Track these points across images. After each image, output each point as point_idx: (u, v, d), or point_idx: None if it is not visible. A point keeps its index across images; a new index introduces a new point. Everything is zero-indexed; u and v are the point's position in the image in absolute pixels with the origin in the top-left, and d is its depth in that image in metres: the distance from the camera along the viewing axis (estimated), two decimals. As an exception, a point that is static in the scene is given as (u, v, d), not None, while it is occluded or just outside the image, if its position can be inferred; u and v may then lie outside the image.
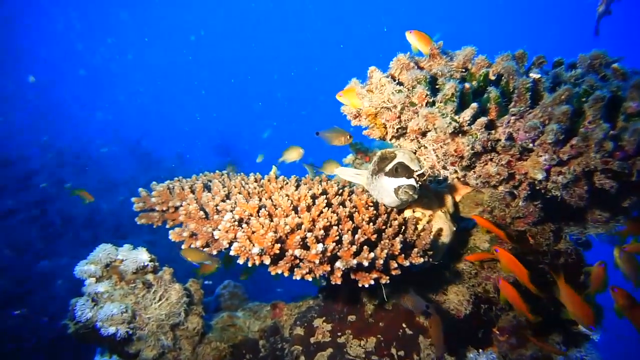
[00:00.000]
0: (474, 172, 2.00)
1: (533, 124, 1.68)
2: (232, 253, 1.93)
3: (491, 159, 1.92)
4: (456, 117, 1.82)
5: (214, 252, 2.28)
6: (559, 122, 1.64)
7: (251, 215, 2.18)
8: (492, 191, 2.22)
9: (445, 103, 1.83)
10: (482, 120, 1.78)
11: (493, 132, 1.84)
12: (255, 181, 2.74)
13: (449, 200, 2.53)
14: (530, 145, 1.78)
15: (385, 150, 2.28)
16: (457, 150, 1.86)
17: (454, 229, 2.44)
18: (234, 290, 3.82)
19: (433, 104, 1.89)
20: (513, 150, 1.81)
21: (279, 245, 1.92)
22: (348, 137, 3.22)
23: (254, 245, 1.93)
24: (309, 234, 1.91)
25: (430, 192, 2.53)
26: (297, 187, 2.66)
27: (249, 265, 1.94)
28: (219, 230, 2.05)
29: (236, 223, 2.07)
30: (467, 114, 1.79)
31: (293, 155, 3.12)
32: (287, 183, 2.68)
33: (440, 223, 2.39)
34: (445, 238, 2.38)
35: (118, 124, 18.61)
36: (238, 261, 1.94)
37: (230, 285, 3.82)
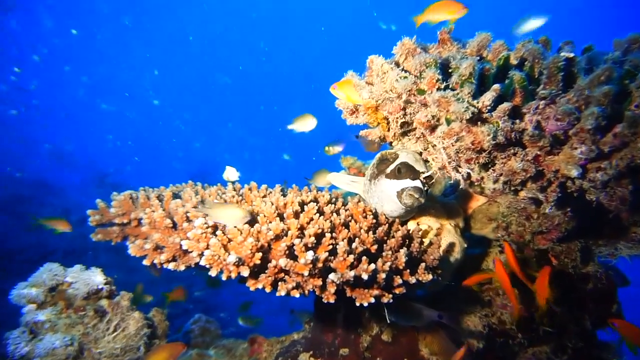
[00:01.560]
0: (493, 170, 1.81)
1: (567, 109, 1.51)
2: (202, 263, 1.66)
3: (515, 154, 1.73)
4: (474, 102, 1.64)
5: (182, 268, 2.00)
6: (600, 104, 1.46)
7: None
8: (511, 199, 2.02)
9: (462, 85, 1.65)
10: (506, 105, 1.60)
11: (517, 121, 1.67)
12: (234, 190, 2.49)
13: (458, 213, 2.33)
14: (562, 137, 1.59)
15: (385, 151, 2.10)
16: (475, 143, 1.67)
17: (465, 245, 2.22)
18: (206, 326, 3.46)
19: (445, 89, 1.70)
20: (542, 142, 1.63)
21: (260, 254, 1.68)
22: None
23: (229, 253, 1.67)
24: (296, 241, 1.68)
25: (437, 203, 2.32)
26: (284, 196, 2.43)
27: (224, 278, 1.68)
28: (189, 239, 1.80)
29: (209, 230, 1.81)
30: (487, 98, 1.61)
31: (305, 125, 2.84)
32: (270, 192, 2.44)
33: (449, 238, 2.17)
34: (456, 254, 2.16)
35: (87, 155, 18.24)
36: (210, 273, 1.68)
37: (201, 320, 3.47)
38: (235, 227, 1.79)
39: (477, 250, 2.57)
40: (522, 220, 2.13)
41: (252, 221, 1.93)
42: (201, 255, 1.72)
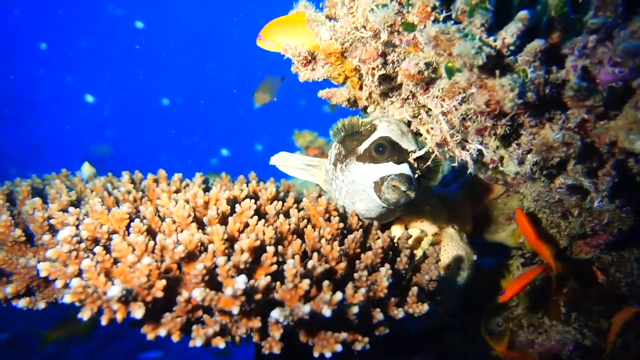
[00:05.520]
0: (517, 145, 1.70)
1: (630, 46, 1.40)
2: (67, 299, 1.45)
3: (551, 119, 1.61)
4: (490, 40, 1.51)
5: (42, 306, 1.79)
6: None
7: (115, 232, 1.78)
8: (541, 189, 1.94)
9: (472, 13, 1.53)
10: (537, 45, 1.48)
11: (554, 69, 1.55)
12: (132, 182, 2.26)
13: (464, 210, 2.26)
14: (622, 92, 1.50)
15: (355, 119, 1.94)
16: (491, 103, 1.54)
17: (475, 257, 2.15)
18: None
19: (446, 22, 1.60)
20: (592, 100, 1.52)
21: (163, 282, 1.50)
22: None
23: (112, 282, 1.49)
24: (221, 261, 1.51)
25: (434, 197, 2.22)
26: (207, 190, 2.24)
27: (104, 322, 1.50)
28: (49, 260, 1.61)
29: (83, 245, 1.62)
30: (510, 33, 1.49)
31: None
32: (186, 186, 2.25)
33: (452, 247, 2.10)
34: (462, 271, 2.09)
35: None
36: (80, 315, 1.50)
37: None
38: (125, 240, 1.58)
39: (491, 261, 2.48)
40: (557, 219, 2.07)
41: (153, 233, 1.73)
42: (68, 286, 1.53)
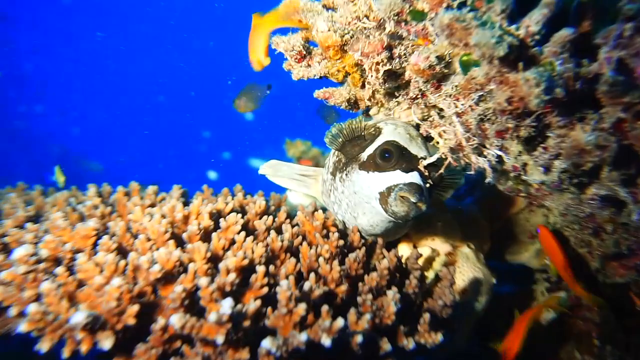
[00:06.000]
0: (543, 149, 1.69)
1: None
2: (23, 328, 1.46)
3: (582, 119, 1.61)
4: (511, 29, 1.51)
5: None
6: None
7: (79, 250, 1.76)
8: (569, 201, 1.92)
9: None
10: (566, 34, 1.48)
11: (586, 61, 1.55)
12: (99, 196, 2.24)
13: (481, 227, 2.25)
14: None
15: (356, 121, 1.92)
16: (513, 100, 1.54)
17: (494, 281, 2.14)
18: None
19: (461, 8, 1.58)
20: (629, 97, 1.53)
21: (136, 307, 1.49)
22: None
23: (76, 308, 1.49)
24: (203, 283, 1.50)
25: (447, 212, 2.21)
26: (186, 205, 2.23)
27: (65, 355, 1.49)
28: (0, 284, 1.60)
29: (42, 266, 1.64)
30: (534, 20, 1.51)
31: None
32: (162, 199, 2.24)
33: (468, 269, 2.09)
34: (480, 296, 2.07)
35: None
36: (38, 347, 1.50)
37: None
38: (91, 260, 1.56)
39: (511, 287, 2.46)
40: (587, 236, 2.05)
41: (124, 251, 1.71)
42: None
